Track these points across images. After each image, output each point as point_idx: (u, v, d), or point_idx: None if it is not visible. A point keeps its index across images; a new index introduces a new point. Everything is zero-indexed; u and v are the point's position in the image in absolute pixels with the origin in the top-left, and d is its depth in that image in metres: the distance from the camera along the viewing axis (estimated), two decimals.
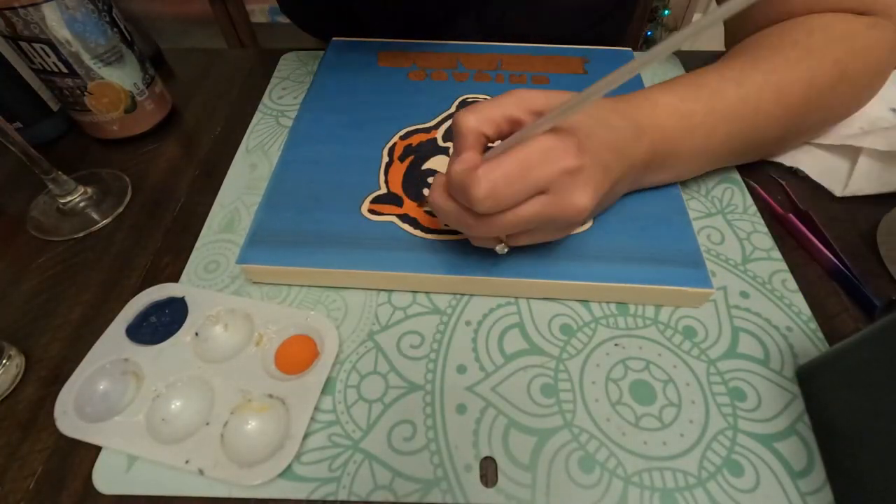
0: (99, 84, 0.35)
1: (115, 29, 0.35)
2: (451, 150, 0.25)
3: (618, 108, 0.26)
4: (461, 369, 0.26)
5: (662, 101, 0.28)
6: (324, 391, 0.25)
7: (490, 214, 0.22)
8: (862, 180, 0.33)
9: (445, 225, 0.29)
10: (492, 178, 0.21)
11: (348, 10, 0.49)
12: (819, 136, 0.36)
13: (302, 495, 0.22)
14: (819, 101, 0.30)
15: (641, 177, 0.28)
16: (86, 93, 0.35)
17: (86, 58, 0.34)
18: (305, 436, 0.23)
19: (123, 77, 0.36)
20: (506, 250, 0.25)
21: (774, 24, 0.33)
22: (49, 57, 0.33)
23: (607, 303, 0.28)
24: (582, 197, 0.22)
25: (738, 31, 0.36)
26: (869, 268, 0.30)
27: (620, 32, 0.56)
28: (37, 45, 0.32)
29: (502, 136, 0.24)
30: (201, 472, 0.22)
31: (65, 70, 0.33)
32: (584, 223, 0.28)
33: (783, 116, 0.30)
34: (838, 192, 0.34)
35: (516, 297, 0.29)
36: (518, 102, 0.23)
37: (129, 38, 0.37)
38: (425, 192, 0.31)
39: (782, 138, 0.33)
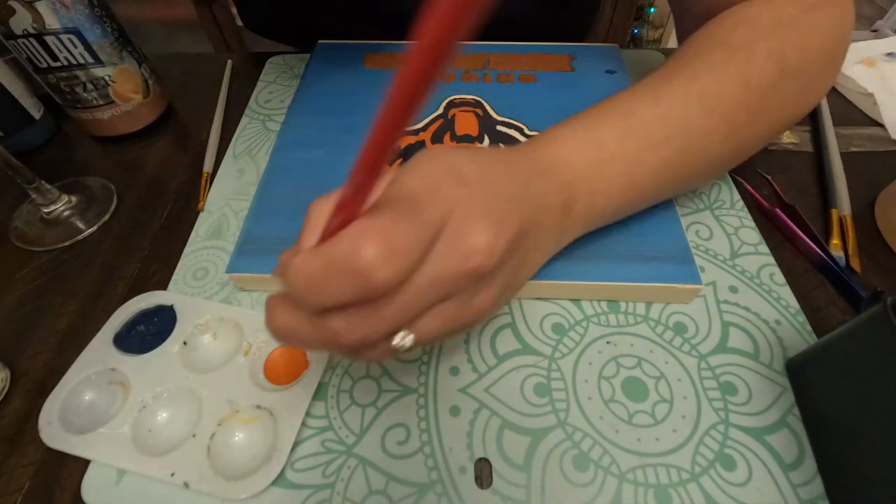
0: (121, 70, 0.35)
1: (115, 26, 0.35)
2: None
3: (510, 154, 0.22)
4: (454, 371, 0.26)
5: (562, 135, 0.24)
6: (316, 397, 0.24)
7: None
8: None
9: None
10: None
11: (298, 13, 0.49)
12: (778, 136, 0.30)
13: (296, 503, 0.22)
14: (762, 103, 0.26)
15: (567, 223, 0.24)
16: (110, 82, 0.35)
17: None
18: (298, 442, 0.23)
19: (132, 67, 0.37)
20: (410, 342, 0.18)
21: (715, 15, 0.29)
22: (76, 48, 0.32)
23: (598, 301, 0.28)
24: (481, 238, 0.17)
25: (684, 30, 0.33)
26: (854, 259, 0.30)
27: (587, 22, 0.55)
28: (64, 37, 0.31)
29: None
30: (186, 485, 0.21)
31: (91, 60, 0.33)
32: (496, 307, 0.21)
33: (722, 128, 0.25)
34: None
35: None
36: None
37: (127, 37, 0.37)
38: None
39: (733, 152, 0.28)
